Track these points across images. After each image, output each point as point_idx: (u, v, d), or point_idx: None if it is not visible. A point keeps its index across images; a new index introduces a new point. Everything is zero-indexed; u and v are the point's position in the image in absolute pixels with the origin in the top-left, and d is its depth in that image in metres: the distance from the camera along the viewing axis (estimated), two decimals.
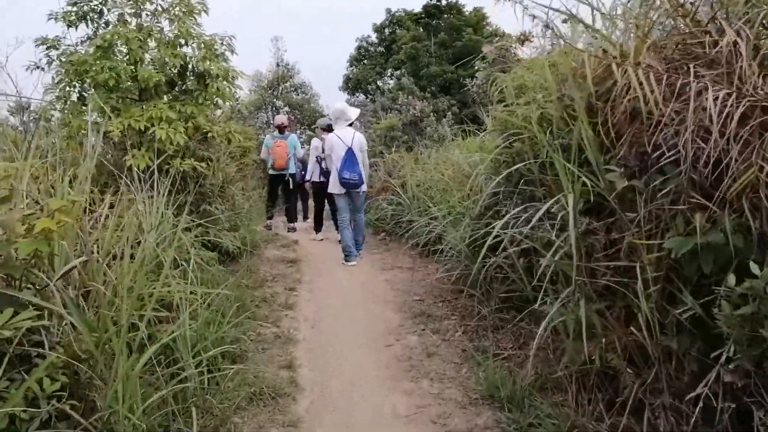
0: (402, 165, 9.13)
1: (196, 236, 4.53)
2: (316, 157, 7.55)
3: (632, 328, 2.03)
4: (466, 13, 20.27)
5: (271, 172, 8.29)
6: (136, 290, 2.10)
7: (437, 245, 4.97)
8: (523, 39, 6.26)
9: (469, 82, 12.30)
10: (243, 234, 5.72)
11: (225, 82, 4.20)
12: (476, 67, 18.44)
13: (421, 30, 21.59)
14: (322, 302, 4.50)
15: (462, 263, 4.32)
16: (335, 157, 5.91)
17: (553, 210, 2.52)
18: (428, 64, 19.42)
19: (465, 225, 4.06)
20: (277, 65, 26.18)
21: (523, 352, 3.21)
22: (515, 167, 3.38)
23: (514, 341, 3.42)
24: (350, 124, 6.26)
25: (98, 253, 2.39)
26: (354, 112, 6.50)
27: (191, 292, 3.04)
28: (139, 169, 3.34)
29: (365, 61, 24.78)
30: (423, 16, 20.83)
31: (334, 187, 6.02)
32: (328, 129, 7.48)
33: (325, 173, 6.87)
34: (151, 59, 3.99)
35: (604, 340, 2.07)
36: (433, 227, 5.05)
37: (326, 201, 7.53)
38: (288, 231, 8.40)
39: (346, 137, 5.99)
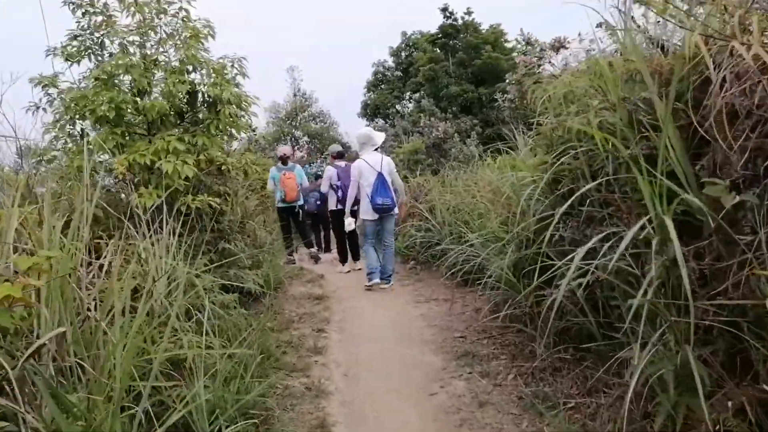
0: (428, 189, 8.80)
1: (214, 278, 4.23)
2: (331, 185, 7.31)
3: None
4: (483, 31, 20.11)
5: (280, 204, 8.12)
6: (130, 353, 1.75)
7: (476, 274, 4.57)
8: (558, 46, 5.96)
9: (499, 97, 11.95)
10: (265, 271, 5.41)
11: (238, 109, 3.93)
12: (499, 86, 18.20)
13: (438, 51, 21.46)
14: (355, 344, 4.12)
15: (508, 295, 3.91)
16: (365, 183, 5.85)
17: (619, 233, 2.14)
18: (447, 84, 19.20)
19: (510, 253, 3.66)
20: (294, 95, 26.40)
21: (593, 400, 2.75)
22: (566, 187, 3.01)
23: (580, 386, 2.97)
24: (376, 149, 6.21)
25: (96, 311, 2.07)
26: (380, 137, 6.42)
27: (208, 346, 2.70)
28: (147, 208, 3.05)
29: (382, 86, 24.73)
30: (440, 36, 20.71)
31: (366, 213, 5.93)
32: (338, 156, 7.55)
33: (342, 201, 6.78)
34: (160, 90, 3.76)
35: (721, 396, 1.64)
36: (471, 255, 4.65)
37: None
38: (312, 261, 8.20)
39: (375, 162, 5.96)
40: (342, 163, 7.50)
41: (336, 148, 7.86)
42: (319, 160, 23.60)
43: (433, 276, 6.50)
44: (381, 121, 22.35)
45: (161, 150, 3.21)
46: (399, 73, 25.37)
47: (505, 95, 10.93)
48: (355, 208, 6.34)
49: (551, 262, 2.86)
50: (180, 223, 3.09)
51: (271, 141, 23.29)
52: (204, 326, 2.72)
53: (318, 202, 8.75)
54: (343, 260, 7.52)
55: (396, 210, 6.11)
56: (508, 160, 6.11)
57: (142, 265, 2.54)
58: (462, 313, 4.79)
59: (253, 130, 4.43)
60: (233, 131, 4.17)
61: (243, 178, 4.16)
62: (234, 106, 3.85)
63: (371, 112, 23.90)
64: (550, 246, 2.91)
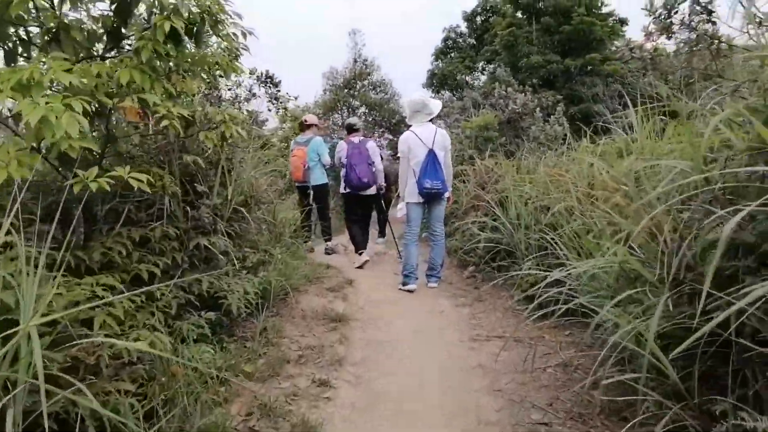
0: (500, 174, 7.25)
1: (177, 293, 2.95)
2: (341, 163, 6.60)
3: None
4: None
5: (296, 184, 7.23)
6: None
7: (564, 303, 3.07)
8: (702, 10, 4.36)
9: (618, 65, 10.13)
10: (269, 276, 4.11)
11: (211, 27, 2.55)
12: (593, 56, 16.01)
13: (520, 15, 19.37)
14: (373, 419, 2.72)
15: (639, 360, 2.40)
16: (414, 160, 5.23)
17: None
18: (528, 53, 17.15)
19: (659, 308, 2.11)
20: (355, 61, 24.96)
21: None
22: None
23: None
24: (431, 120, 5.48)
25: None
26: (436, 106, 5.61)
27: None
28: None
29: (453, 54, 22.92)
30: None
31: (411, 195, 5.33)
32: (349, 130, 6.80)
33: (348, 182, 6.47)
34: None
35: None
36: (571, 286, 3.14)
37: (374, 207, 7.26)
38: (326, 253, 7.19)
39: (427, 136, 5.23)
40: (355, 139, 6.62)
41: (353, 121, 6.96)
42: (376, 134, 22.29)
43: (498, 294, 5.02)
44: (448, 94, 20.65)
45: (31, 81, 1.88)
46: (472, 41, 23.42)
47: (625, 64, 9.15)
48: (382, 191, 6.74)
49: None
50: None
51: (324, 110, 22.10)
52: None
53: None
54: (359, 248, 6.62)
55: (448, 193, 5.45)
56: (626, 142, 4.50)
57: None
58: (542, 369, 3.30)
59: (239, 70, 3.05)
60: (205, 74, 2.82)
61: (215, 144, 2.83)
62: (205, 22, 2.47)
63: (438, 82, 22.19)
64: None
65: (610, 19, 17.81)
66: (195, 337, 2.90)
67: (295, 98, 6.21)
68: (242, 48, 2.94)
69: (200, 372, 2.55)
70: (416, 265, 5.33)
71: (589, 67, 15.79)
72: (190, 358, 2.60)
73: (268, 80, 5.38)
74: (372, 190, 6.64)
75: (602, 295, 2.91)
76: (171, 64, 2.63)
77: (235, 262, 3.71)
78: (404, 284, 5.27)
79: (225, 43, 2.85)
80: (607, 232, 3.02)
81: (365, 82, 24.87)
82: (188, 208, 3.30)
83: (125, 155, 3.13)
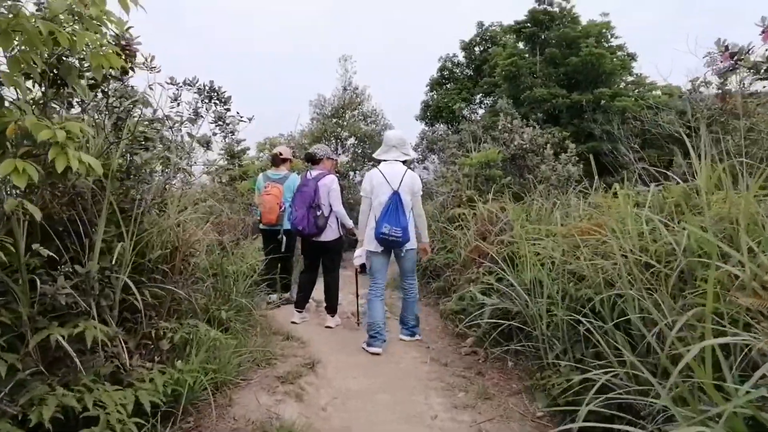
0: (506, 222, 6.21)
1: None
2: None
3: None
4: (583, 23, 17.10)
5: (261, 226, 6.44)
6: None
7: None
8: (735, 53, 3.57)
9: (630, 101, 9.20)
10: (189, 366, 2.95)
11: None
12: (602, 91, 15.19)
13: (522, 45, 18.68)
14: None
15: None
16: (375, 201, 4.87)
17: None
18: (531, 85, 16.35)
19: None
20: (344, 89, 24.14)
21: None
22: None
23: None
24: (404, 162, 5.07)
25: None
26: (412, 152, 5.35)
27: None
28: None
29: (449, 85, 22.18)
30: (527, 25, 17.81)
31: (369, 242, 4.91)
32: (307, 159, 5.83)
33: (294, 217, 5.52)
34: None
35: None
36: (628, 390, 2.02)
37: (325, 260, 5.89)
38: (276, 304, 6.23)
39: (394, 176, 4.88)
40: (311, 173, 5.65)
41: (312, 149, 5.87)
42: (366, 168, 21.30)
43: (509, 385, 3.90)
44: (443, 127, 19.77)
45: None
46: (470, 72, 22.73)
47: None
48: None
49: None
50: None
51: (311, 140, 21.13)
52: None
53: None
54: (296, 304, 5.82)
55: (411, 244, 4.93)
56: (684, 193, 3.48)
57: None
58: None
59: (188, 85, 2.06)
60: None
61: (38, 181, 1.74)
62: None
63: (432, 114, 21.35)
64: None
65: (620, 52, 17.14)
66: None
67: (248, 120, 5.10)
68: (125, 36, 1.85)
69: None
70: (383, 324, 4.85)
71: (602, 102, 14.94)
72: None
73: (213, 95, 4.37)
74: (327, 236, 5.51)
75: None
76: None
77: (124, 352, 2.55)
78: (368, 344, 4.77)
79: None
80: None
81: (355, 112, 24.03)
82: (39, 280, 2.16)
83: None
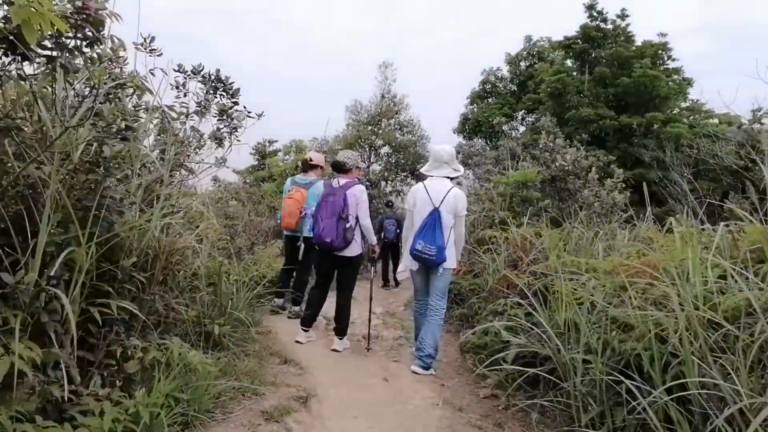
0: (541, 249, 5.68)
1: None
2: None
3: None
4: (638, 43, 16.37)
5: (284, 232, 6.39)
6: None
7: None
8: None
9: (684, 128, 8.61)
10: (131, 405, 2.53)
11: None
12: (654, 114, 14.45)
13: (570, 63, 18.03)
14: None
15: None
16: (417, 216, 4.83)
17: None
18: (578, 105, 15.71)
19: None
20: (383, 96, 23.79)
21: None
22: None
23: None
24: (451, 178, 5.03)
25: None
26: (461, 170, 5.15)
27: None
28: None
29: (490, 99, 21.63)
30: (577, 41, 17.16)
31: (406, 258, 4.97)
32: (336, 168, 5.41)
33: (316, 238, 5.20)
34: None
35: None
36: None
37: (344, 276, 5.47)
38: (288, 316, 6.13)
39: (438, 193, 4.78)
40: (337, 182, 5.29)
41: (340, 156, 5.43)
42: (399, 178, 20.87)
43: None
44: (481, 142, 19.22)
45: None
46: (513, 88, 22.14)
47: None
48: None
49: None
50: None
51: (344, 146, 20.83)
52: None
53: (398, 230, 8.13)
54: (302, 322, 5.41)
55: (448, 264, 4.76)
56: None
57: None
58: None
59: (193, 73, 1.79)
60: None
61: None
62: None
63: (471, 127, 20.81)
64: None
65: (675, 76, 16.33)
66: None
67: (258, 116, 4.65)
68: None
69: None
70: (429, 344, 4.69)
71: (654, 126, 14.19)
72: None
73: (219, 85, 4.01)
74: (351, 251, 5.08)
75: None
76: None
77: (77, 376, 2.14)
78: (416, 366, 4.71)
79: None
80: None
81: (392, 121, 23.62)
82: None
83: None
